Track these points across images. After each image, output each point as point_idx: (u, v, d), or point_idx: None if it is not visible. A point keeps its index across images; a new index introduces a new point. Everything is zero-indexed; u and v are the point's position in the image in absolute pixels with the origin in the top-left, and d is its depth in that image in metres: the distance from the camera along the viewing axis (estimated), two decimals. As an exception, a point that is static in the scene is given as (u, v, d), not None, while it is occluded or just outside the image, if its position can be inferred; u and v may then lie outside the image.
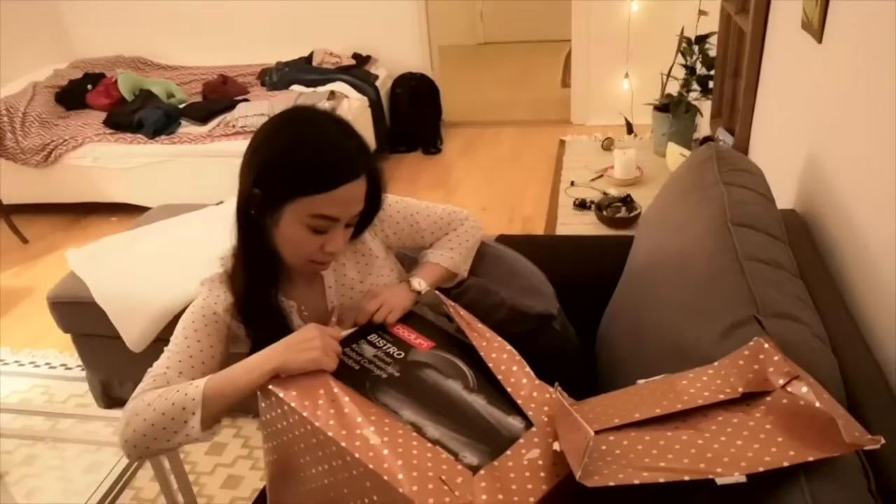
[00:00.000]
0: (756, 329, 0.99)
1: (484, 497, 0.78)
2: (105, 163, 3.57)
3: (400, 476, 0.79)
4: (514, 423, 0.91)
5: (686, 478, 0.72)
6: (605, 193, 2.50)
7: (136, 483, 2.06)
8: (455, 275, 1.29)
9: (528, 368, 1.02)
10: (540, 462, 0.84)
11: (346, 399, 0.91)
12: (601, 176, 2.65)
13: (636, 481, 0.73)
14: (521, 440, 0.87)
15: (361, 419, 0.87)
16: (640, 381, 0.97)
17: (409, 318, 1.15)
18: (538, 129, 4.45)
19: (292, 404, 0.91)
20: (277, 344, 1.00)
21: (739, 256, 1.13)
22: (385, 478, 0.79)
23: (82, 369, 2.44)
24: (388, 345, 1.07)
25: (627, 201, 2.39)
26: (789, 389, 0.81)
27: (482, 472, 0.82)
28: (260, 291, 1.12)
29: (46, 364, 2.65)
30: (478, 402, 0.95)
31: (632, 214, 2.29)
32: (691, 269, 1.19)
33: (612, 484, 0.73)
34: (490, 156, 4.19)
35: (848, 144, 1.33)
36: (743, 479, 0.71)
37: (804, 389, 0.80)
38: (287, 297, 1.17)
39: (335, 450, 0.86)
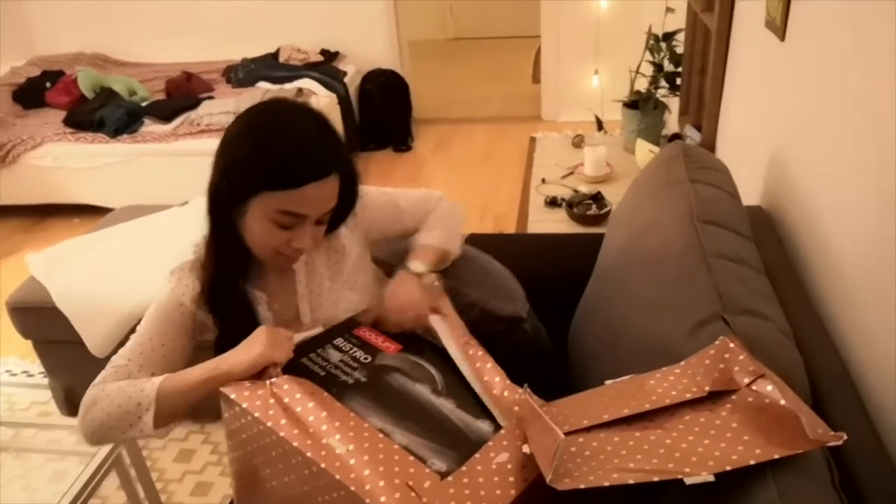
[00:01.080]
0: (723, 326, 1.00)
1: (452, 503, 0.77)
2: (66, 163, 3.48)
3: (367, 486, 0.78)
4: (483, 426, 0.91)
5: (656, 478, 0.72)
6: (575, 191, 2.51)
7: (102, 492, 2.01)
8: (448, 253, 1.28)
9: (499, 368, 1.02)
10: (509, 466, 0.83)
11: (311, 405, 0.88)
12: (572, 173, 2.66)
13: (607, 483, 0.72)
14: (491, 443, 0.87)
15: (326, 427, 0.85)
16: (608, 382, 0.97)
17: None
18: (510, 125, 4.46)
19: (256, 414, 0.89)
20: (233, 349, 1.01)
21: (706, 254, 1.13)
22: (353, 488, 0.78)
23: (44, 376, 2.38)
24: (355, 349, 1.05)
25: (597, 198, 2.40)
26: (754, 388, 0.82)
27: (450, 478, 0.81)
28: (227, 280, 1.12)
29: (7, 371, 2.57)
30: (446, 406, 0.94)
31: (602, 212, 2.31)
32: (659, 267, 1.20)
33: (582, 486, 0.73)
34: (462, 153, 4.19)
35: (811, 142, 1.34)
36: (711, 478, 0.72)
37: (769, 388, 0.81)
38: (257, 288, 1.16)
39: (301, 460, 0.84)
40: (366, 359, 1.03)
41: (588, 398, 0.90)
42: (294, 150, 1.00)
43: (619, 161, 2.70)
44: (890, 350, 0.98)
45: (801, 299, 1.23)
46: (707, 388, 0.82)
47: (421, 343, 1.08)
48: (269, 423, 0.87)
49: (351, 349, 1.05)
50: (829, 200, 1.23)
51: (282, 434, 0.86)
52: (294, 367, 1.00)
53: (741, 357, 0.84)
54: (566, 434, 0.79)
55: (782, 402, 0.77)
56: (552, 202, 2.43)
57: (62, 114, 3.66)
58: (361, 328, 1.11)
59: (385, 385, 0.97)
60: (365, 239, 1.25)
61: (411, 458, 0.83)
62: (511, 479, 0.81)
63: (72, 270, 2.12)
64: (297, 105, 1.08)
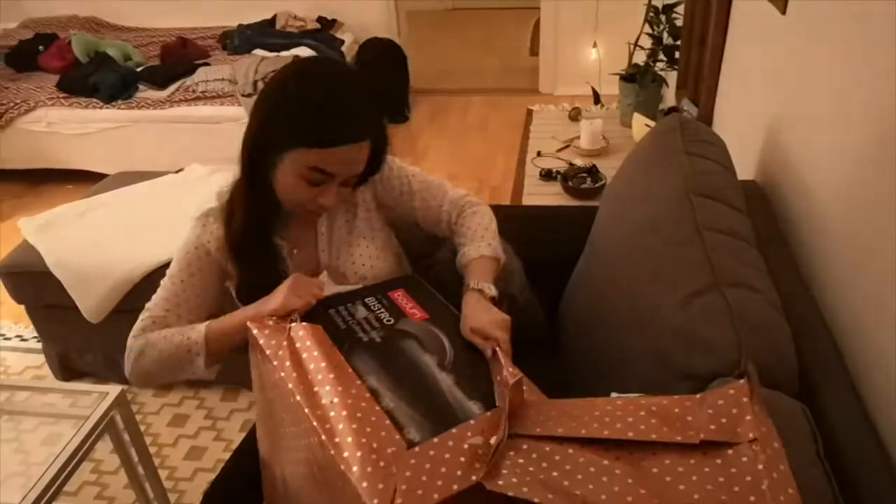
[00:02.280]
0: (716, 297, 1.01)
1: (408, 474, 0.75)
2: (59, 128, 3.44)
3: (337, 439, 0.79)
4: (473, 407, 0.90)
5: None
6: (571, 164, 2.50)
7: (95, 455, 2.03)
8: (499, 261, 1.23)
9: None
10: (480, 451, 0.79)
11: (315, 353, 0.91)
12: (568, 146, 2.64)
13: (535, 500, 0.69)
14: (472, 423, 0.84)
15: (322, 376, 0.87)
16: (615, 395, 0.92)
17: (415, 288, 1.15)
18: (506, 97, 4.42)
19: (267, 352, 0.93)
20: (267, 295, 1.07)
21: (699, 227, 1.14)
22: (323, 437, 0.79)
23: (38, 340, 2.38)
24: (382, 309, 1.08)
25: (593, 172, 2.40)
26: (755, 448, 0.72)
27: (417, 448, 0.79)
28: (256, 228, 1.14)
29: (0, 336, 2.58)
30: (446, 380, 0.94)
31: (597, 185, 2.30)
32: (653, 239, 1.20)
33: (510, 493, 0.70)
34: (458, 124, 4.16)
35: (809, 117, 1.34)
36: None
37: (762, 456, 0.70)
38: (281, 237, 1.19)
39: (293, 402, 0.86)
40: (388, 321, 1.05)
41: (582, 407, 0.83)
42: (333, 112, 1.01)
43: (615, 135, 2.69)
44: (876, 323, 0.99)
45: (792, 273, 1.24)
46: (702, 436, 0.73)
47: (448, 317, 1.08)
48: (275, 363, 0.90)
49: (378, 309, 1.08)
50: (824, 177, 1.23)
51: (282, 374, 0.89)
52: (320, 316, 1.04)
53: (756, 408, 0.75)
54: (537, 437, 0.77)
55: (764, 484, 0.67)
56: (547, 175, 2.42)
57: (55, 78, 3.61)
58: (398, 291, 1.12)
59: (395, 349, 0.99)
60: (376, 199, 1.26)
61: (388, 422, 0.83)
62: (477, 464, 0.77)
63: (66, 235, 2.12)
64: (345, 67, 1.10)
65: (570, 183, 2.32)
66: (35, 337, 2.49)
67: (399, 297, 1.12)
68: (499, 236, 1.26)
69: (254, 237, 1.14)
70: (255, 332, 0.98)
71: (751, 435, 0.71)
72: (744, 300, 1.01)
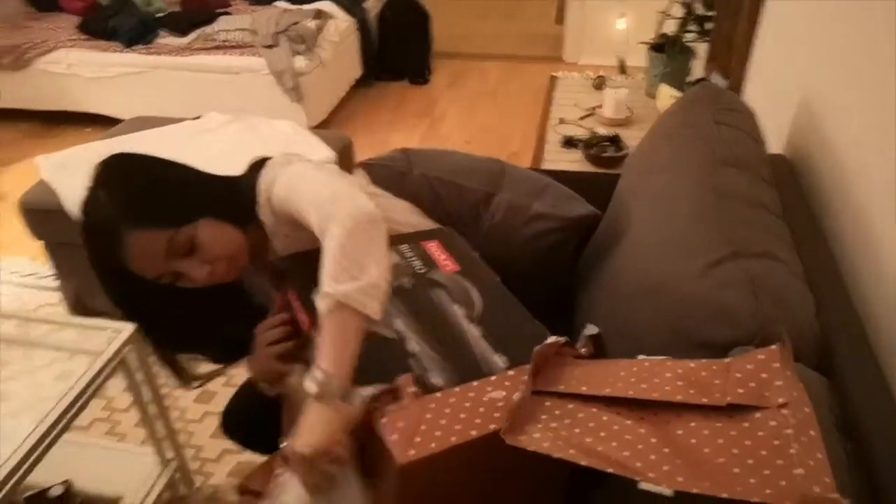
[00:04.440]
0: (737, 266, 1.00)
1: (428, 416, 0.76)
2: (79, 70, 3.43)
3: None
4: (498, 361, 0.90)
5: (611, 469, 0.67)
6: (593, 132, 2.47)
7: (108, 392, 2.06)
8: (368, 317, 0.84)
9: None
10: (499, 404, 0.79)
11: None
12: (591, 114, 2.61)
13: (557, 455, 0.68)
14: (493, 378, 0.84)
15: None
16: (641, 357, 0.92)
17: (449, 241, 1.14)
18: (528, 64, 4.36)
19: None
20: None
21: (724, 195, 1.12)
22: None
23: (55, 278, 2.40)
24: (415, 258, 1.08)
25: (615, 141, 2.37)
26: (784, 412, 0.70)
27: (438, 394, 0.80)
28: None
29: (16, 272, 2.60)
30: (472, 332, 0.95)
31: (619, 154, 2.28)
32: (674, 206, 1.19)
33: (531, 449, 0.69)
34: (478, 89, 4.11)
35: (844, 89, 1.31)
36: (668, 492, 0.64)
37: (791, 420, 0.69)
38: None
39: None
40: (420, 269, 1.05)
41: (606, 367, 0.83)
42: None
43: (639, 105, 2.64)
44: (902, 300, 0.98)
45: (819, 247, 1.22)
46: (728, 399, 0.71)
47: (480, 272, 1.08)
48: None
49: (411, 257, 1.08)
50: (860, 153, 1.20)
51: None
52: None
53: (788, 373, 0.73)
54: (560, 395, 0.76)
55: (792, 448, 0.65)
56: (569, 142, 2.39)
57: (76, 19, 3.59)
58: (432, 242, 1.12)
59: (425, 297, 0.99)
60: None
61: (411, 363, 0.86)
62: (496, 414, 0.77)
63: (82, 175, 2.11)
64: (96, 174, 1.03)
65: (591, 151, 2.29)
66: (52, 275, 2.51)
67: (433, 247, 1.11)
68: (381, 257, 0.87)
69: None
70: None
71: (780, 399, 0.68)
72: (766, 270, 1.00)
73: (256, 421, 1.38)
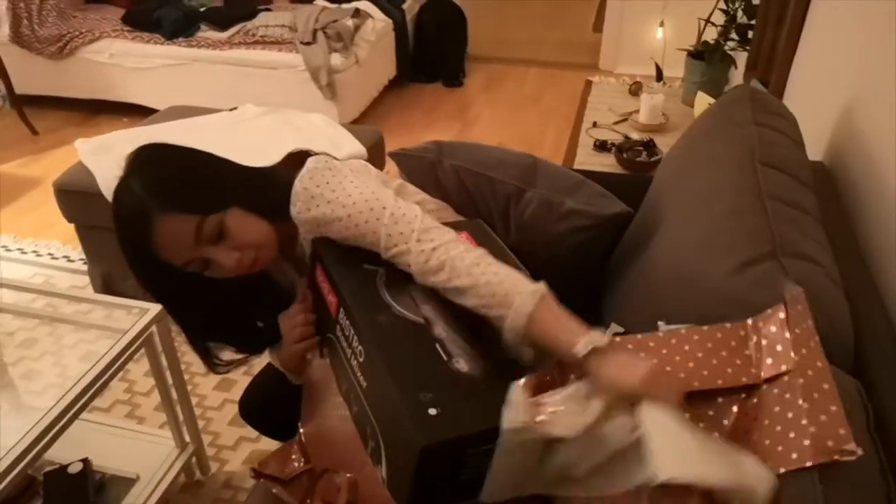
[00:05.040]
0: (773, 266, 0.96)
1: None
2: (121, 60, 3.50)
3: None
4: (526, 350, 0.90)
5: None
6: (627, 137, 2.43)
7: (129, 376, 2.08)
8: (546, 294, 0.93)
9: None
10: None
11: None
12: (625, 120, 2.57)
13: None
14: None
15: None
16: (661, 324, 0.93)
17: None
18: (564, 71, 4.33)
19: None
20: None
21: (763, 195, 1.09)
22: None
23: (84, 263, 2.44)
24: None
25: (649, 146, 2.33)
26: (810, 373, 0.74)
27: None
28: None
29: (49, 254, 2.65)
30: None
31: (652, 159, 2.24)
32: (710, 205, 1.16)
33: None
34: (512, 94, 4.10)
35: (887, 98, 1.27)
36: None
37: (801, 381, 0.74)
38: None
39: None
40: None
41: (637, 343, 0.88)
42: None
43: (675, 113, 2.60)
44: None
45: (855, 256, 1.19)
46: (763, 376, 0.75)
47: (510, 262, 1.06)
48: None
49: None
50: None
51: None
52: None
53: (798, 330, 0.77)
54: None
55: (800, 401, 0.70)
56: (601, 146, 2.36)
57: (121, 11, 3.67)
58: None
59: None
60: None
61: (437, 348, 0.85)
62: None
63: (120, 159, 2.14)
64: (129, 162, 1.02)
65: (625, 155, 2.26)
66: (82, 259, 2.55)
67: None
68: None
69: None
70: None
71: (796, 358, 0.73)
72: (803, 271, 0.96)
73: (273, 408, 1.38)
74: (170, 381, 1.64)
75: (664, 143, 2.35)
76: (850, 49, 1.56)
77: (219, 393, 2.02)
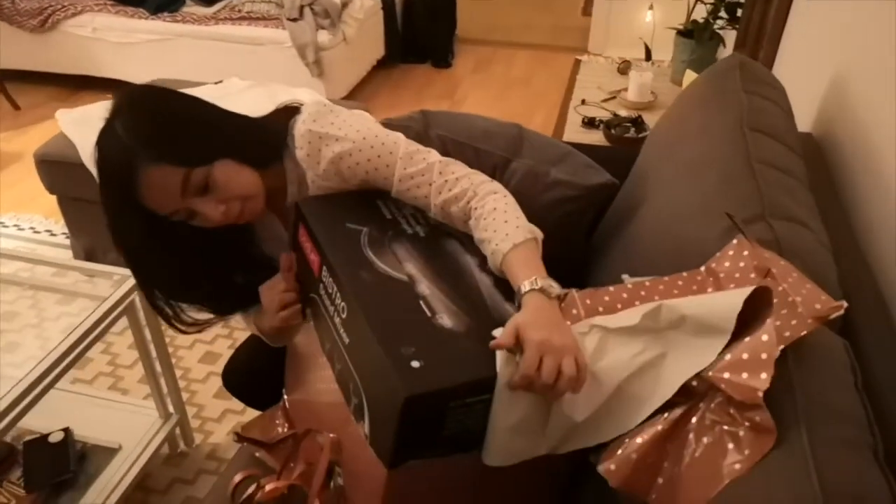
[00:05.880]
0: (761, 228, 0.96)
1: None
2: (104, 35, 3.44)
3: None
4: (510, 309, 0.89)
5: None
6: (615, 114, 2.43)
7: (113, 349, 2.06)
8: (537, 240, 0.97)
9: None
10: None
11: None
12: (614, 97, 2.57)
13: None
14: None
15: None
16: (625, 277, 0.96)
17: None
18: (552, 54, 4.32)
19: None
20: None
21: (752, 159, 1.09)
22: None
23: (67, 237, 2.41)
24: None
25: (637, 122, 2.33)
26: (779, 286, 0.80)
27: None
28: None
29: (31, 228, 2.62)
30: (484, 281, 0.94)
31: (640, 135, 2.23)
32: (701, 172, 1.15)
33: None
34: (501, 76, 4.08)
35: (877, 72, 1.27)
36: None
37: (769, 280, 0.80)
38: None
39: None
40: (435, 221, 1.03)
41: (611, 294, 0.91)
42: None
43: (664, 91, 2.59)
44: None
45: (844, 226, 1.19)
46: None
47: None
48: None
49: None
50: (888, 130, 1.16)
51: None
52: (367, 204, 1.02)
53: (760, 254, 0.84)
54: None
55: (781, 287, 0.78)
56: (589, 122, 2.35)
57: (104, -16, 3.59)
58: None
59: (437, 245, 0.98)
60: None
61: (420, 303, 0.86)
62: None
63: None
64: (114, 105, 0.98)
65: (613, 131, 2.25)
66: (64, 233, 2.52)
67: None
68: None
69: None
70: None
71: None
72: (792, 234, 0.96)
73: (257, 379, 1.37)
74: (153, 351, 1.62)
75: (652, 121, 2.34)
76: (838, 23, 1.56)
77: (204, 366, 2.01)
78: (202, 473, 1.69)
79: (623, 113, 2.43)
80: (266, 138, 1.05)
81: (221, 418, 1.84)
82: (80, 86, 3.68)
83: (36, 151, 2.11)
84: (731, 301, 0.76)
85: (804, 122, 1.58)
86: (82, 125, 2.14)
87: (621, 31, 4.07)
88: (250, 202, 1.01)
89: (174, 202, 0.95)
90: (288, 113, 1.08)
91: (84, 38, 3.46)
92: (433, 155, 1.02)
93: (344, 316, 0.89)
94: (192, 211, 0.97)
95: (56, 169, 2.10)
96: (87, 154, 2.03)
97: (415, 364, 0.77)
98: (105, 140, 0.95)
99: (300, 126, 1.01)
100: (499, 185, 1.01)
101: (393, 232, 0.98)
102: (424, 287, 0.89)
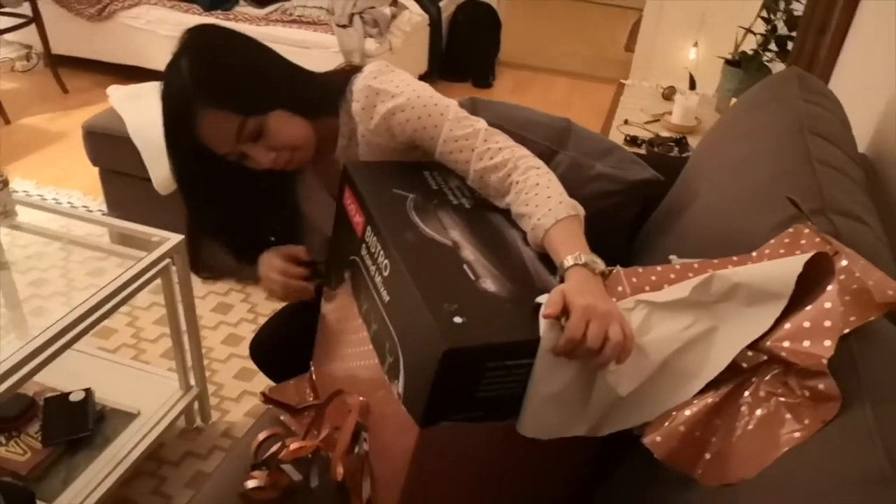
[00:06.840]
0: (819, 221, 0.93)
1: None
2: (157, 27, 3.52)
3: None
4: (553, 280, 0.87)
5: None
6: (658, 135, 2.41)
7: (138, 323, 2.06)
8: (580, 217, 0.95)
9: None
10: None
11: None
12: (657, 120, 2.55)
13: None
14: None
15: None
16: (673, 257, 0.93)
17: None
18: (593, 84, 4.34)
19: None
20: None
21: (812, 158, 1.06)
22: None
23: (104, 214, 2.43)
24: None
25: (681, 143, 2.31)
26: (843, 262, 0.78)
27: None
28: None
29: (69, 203, 2.65)
30: (528, 253, 0.93)
31: (684, 155, 2.21)
32: (757, 168, 1.13)
33: None
34: (539, 99, 4.10)
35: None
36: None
37: (844, 262, 0.77)
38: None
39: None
40: (479, 194, 1.03)
41: (658, 273, 0.89)
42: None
43: (708, 118, 2.57)
44: None
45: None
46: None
47: None
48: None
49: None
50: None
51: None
52: (414, 174, 1.03)
53: (817, 240, 0.80)
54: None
55: (857, 274, 0.74)
56: (632, 141, 2.34)
57: (163, -21, 3.70)
58: None
59: (482, 217, 0.98)
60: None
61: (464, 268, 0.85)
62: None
63: (151, 106, 2.14)
64: (183, 40, 1.00)
65: (656, 149, 2.24)
66: (101, 210, 2.54)
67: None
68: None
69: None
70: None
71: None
72: (851, 229, 0.93)
73: (284, 352, 1.35)
74: (183, 324, 1.61)
75: (696, 143, 2.33)
76: (892, 50, 1.54)
77: (226, 347, 2.00)
78: (215, 450, 1.67)
79: (666, 134, 2.42)
80: (324, 91, 1.07)
81: (240, 398, 1.83)
82: (127, 76, 3.75)
83: (84, 122, 2.14)
84: (789, 265, 0.73)
85: (859, 143, 1.56)
86: (133, 100, 2.18)
87: (663, 66, 4.07)
88: (300, 152, 1.05)
89: (228, 145, 0.99)
90: (348, 72, 1.09)
91: (136, 30, 3.55)
92: (481, 123, 1.03)
93: (386, 274, 0.88)
94: (244, 154, 1.01)
95: (102, 141, 2.13)
96: (136, 128, 2.06)
97: (457, 320, 0.76)
98: (170, 75, 0.99)
99: (360, 81, 1.04)
100: (540, 161, 1.00)
101: (438, 201, 0.98)
102: (468, 253, 0.88)
